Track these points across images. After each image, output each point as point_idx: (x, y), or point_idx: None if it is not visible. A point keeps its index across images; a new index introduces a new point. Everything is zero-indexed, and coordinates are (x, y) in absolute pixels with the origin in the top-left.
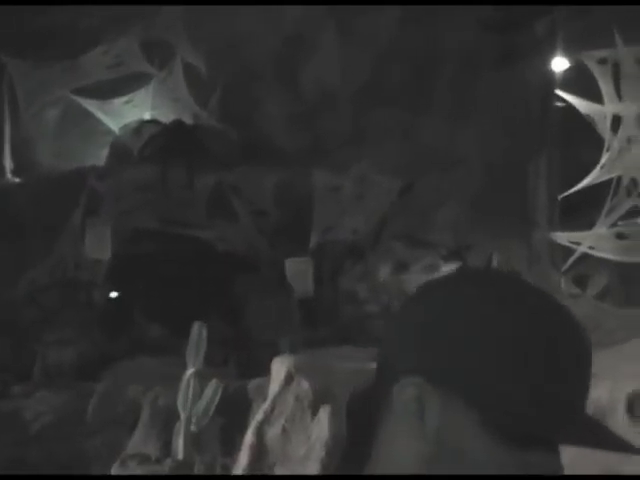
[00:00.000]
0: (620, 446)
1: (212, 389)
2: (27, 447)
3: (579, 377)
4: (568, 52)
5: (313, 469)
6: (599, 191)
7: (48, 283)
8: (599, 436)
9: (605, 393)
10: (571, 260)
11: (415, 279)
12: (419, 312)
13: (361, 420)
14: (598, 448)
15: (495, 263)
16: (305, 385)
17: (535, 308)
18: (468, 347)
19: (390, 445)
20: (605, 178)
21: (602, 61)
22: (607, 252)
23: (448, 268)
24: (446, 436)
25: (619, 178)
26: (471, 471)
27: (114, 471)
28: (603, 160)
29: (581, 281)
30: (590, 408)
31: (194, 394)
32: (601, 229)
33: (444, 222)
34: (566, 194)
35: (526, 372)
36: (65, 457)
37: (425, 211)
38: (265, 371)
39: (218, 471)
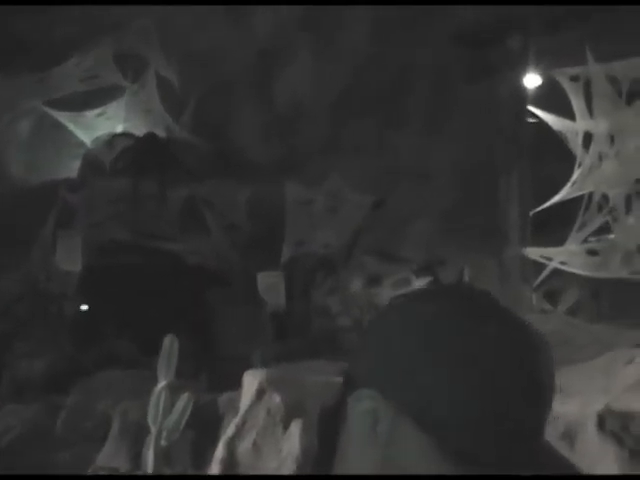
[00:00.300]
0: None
1: (183, 402)
2: None
3: (538, 403)
4: (540, 69)
5: None
6: (571, 207)
7: (19, 294)
8: (553, 463)
9: (575, 409)
10: (542, 276)
11: (387, 293)
12: (382, 328)
13: (331, 432)
14: (550, 474)
15: (466, 278)
16: (277, 399)
17: (498, 330)
18: (424, 366)
19: (346, 455)
20: (577, 194)
21: (574, 78)
22: (578, 268)
23: (420, 283)
24: (395, 450)
25: (590, 194)
26: None
27: None
28: (575, 176)
29: (552, 297)
30: (560, 424)
31: (165, 407)
32: (572, 245)
33: (416, 237)
34: (538, 210)
35: (483, 396)
36: (34, 471)
37: (397, 226)
38: (237, 385)
39: None
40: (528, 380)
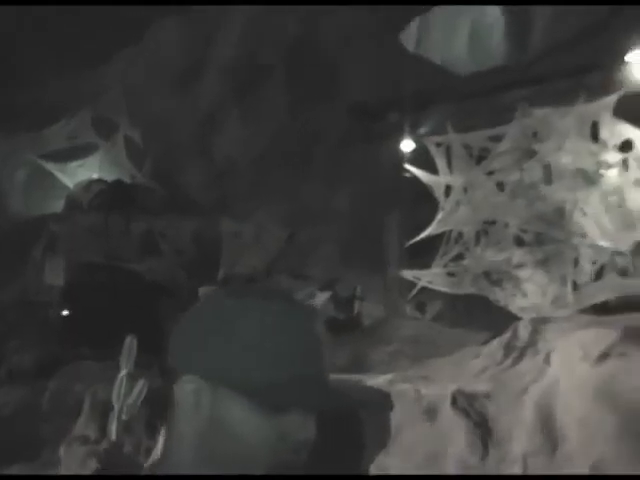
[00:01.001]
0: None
1: (139, 386)
2: None
3: (313, 359)
4: (414, 136)
5: None
6: (435, 240)
7: (14, 303)
8: (339, 395)
9: (435, 391)
10: (414, 292)
11: None
12: (193, 322)
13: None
14: (336, 407)
15: (359, 292)
16: None
17: (276, 312)
18: (229, 347)
19: (178, 430)
20: (440, 231)
21: (438, 144)
22: (440, 286)
23: (322, 296)
24: (217, 414)
25: (450, 231)
26: (239, 442)
27: (63, 449)
28: (438, 217)
29: (421, 307)
30: (424, 402)
31: (125, 390)
32: (436, 268)
33: (320, 261)
34: (411, 242)
35: (273, 358)
36: (24, 440)
37: (305, 252)
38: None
39: (142, 450)
40: (309, 336)
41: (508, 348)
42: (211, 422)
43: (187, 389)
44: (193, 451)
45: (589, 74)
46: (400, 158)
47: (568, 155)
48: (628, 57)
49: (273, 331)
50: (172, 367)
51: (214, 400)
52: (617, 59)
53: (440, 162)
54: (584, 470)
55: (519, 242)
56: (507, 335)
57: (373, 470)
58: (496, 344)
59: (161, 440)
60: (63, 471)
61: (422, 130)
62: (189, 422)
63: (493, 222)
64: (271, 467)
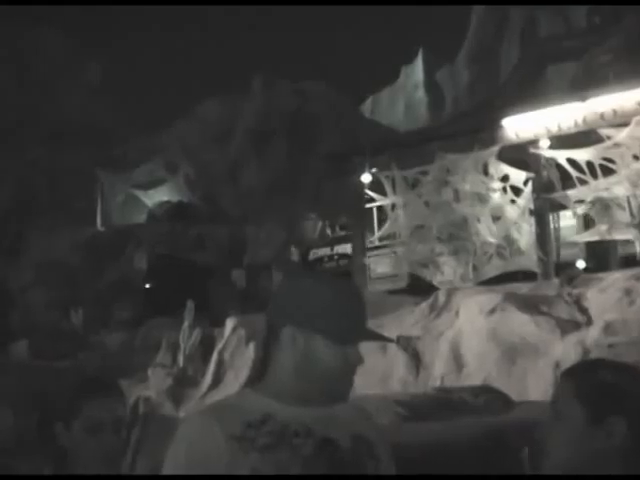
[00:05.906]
0: (379, 337)
1: (196, 333)
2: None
3: (362, 312)
4: (372, 172)
5: (245, 373)
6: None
7: (116, 280)
8: (371, 336)
9: (386, 335)
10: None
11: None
12: (287, 293)
13: (267, 350)
14: (371, 340)
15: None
16: (242, 332)
17: (335, 285)
18: (312, 309)
19: (279, 363)
20: (388, 233)
21: (387, 177)
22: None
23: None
24: (309, 350)
25: (394, 232)
26: (322, 365)
27: (150, 371)
28: (387, 224)
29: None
30: (379, 342)
31: (187, 335)
32: (385, 258)
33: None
34: (371, 240)
35: (339, 313)
36: (125, 364)
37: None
38: (223, 324)
39: (199, 373)
40: (358, 300)
41: (432, 307)
42: (305, 354)
43: (288, 334)
44: (293, 373)
45: (481, 133)
46: (362, 186)
47: (469, 184)
48: (503, 122)
49: (337, 297)
50: (275, 323)
51: (306, 341)
52: (497, 124)
53: (388, 188)
54: (477, 382)
55: (438, 239)
56: (431, 299)
57: None
58: (424, 305)
59: (211, 367)
60: (152, 384)
61: (376, 168)
62: (290, 356)
63: (422, 226)
64: (340, 379)
